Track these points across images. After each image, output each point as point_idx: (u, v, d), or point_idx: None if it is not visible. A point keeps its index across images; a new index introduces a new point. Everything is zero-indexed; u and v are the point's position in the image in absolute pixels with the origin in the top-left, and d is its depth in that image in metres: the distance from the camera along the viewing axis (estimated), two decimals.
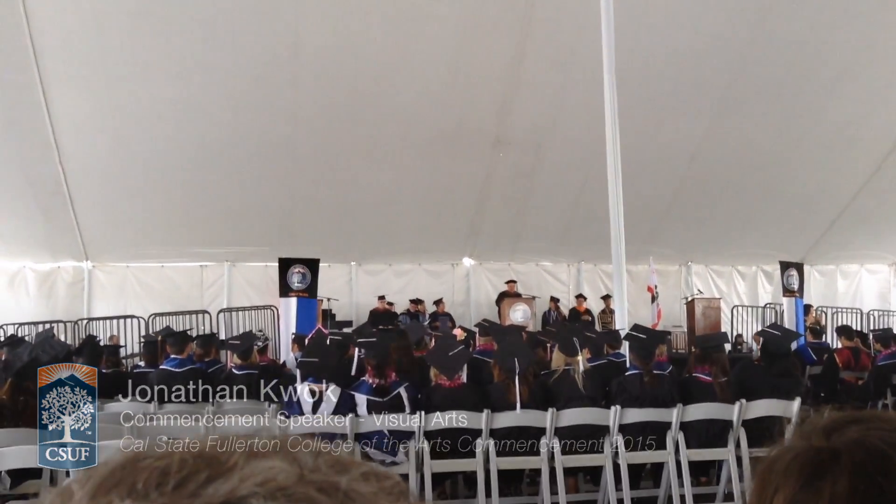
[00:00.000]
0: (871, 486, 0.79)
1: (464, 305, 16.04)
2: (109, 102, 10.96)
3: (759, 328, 13.37)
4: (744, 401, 6.06)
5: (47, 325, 12.67)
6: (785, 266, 14.30)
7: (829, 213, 15.23)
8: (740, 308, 16.47)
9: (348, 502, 0.46)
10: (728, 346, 14.45)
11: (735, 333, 15.50)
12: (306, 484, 0.46)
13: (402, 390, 6.04)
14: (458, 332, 11.33)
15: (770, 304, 16.43)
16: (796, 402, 6.02)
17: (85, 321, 13.90)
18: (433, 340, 9.15)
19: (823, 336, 11.51)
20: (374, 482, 0.50)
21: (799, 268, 14.58)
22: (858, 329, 12.47)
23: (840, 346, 9.70)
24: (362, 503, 0.47)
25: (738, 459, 6.04)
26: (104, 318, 13.96)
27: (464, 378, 6.21)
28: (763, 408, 6.09)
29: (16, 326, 12.99)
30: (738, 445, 6.09)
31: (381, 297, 14.99)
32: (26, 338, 10.34)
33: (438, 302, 15.28)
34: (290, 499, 0.45)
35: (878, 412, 0.89)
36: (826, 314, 16.23)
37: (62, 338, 12.47)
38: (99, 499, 0.45)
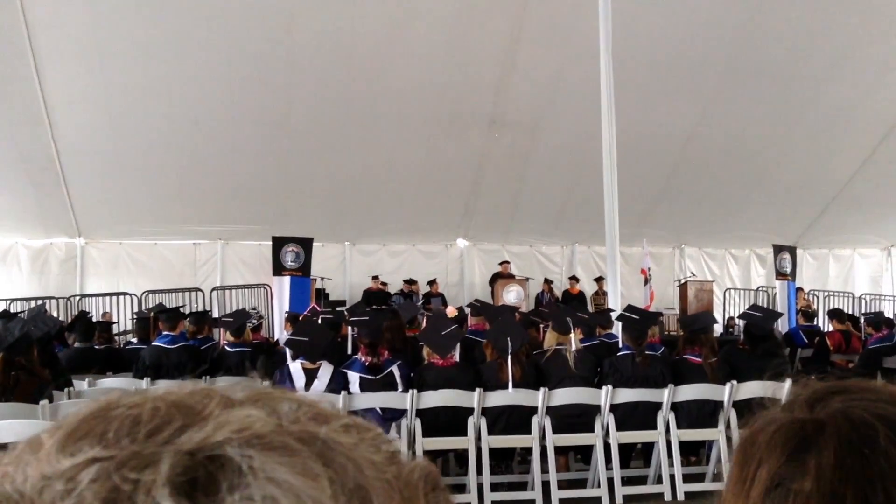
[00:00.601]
0: (857, 457, 0.78)
1: (457, 286, 16.06)
2: (103, 78, 10.89)
3: None
4: (734, 382, 6.09)
5: (39, 302, 12.63)
6: (778, 249, 14.34)
7: (822, 197, 15.27)
8: (733, 291, 16.52)
9: (327, 451, 0.45)
10: (720, 329, 14.60)
11: (727, 316, 15.56)
12: (284, 433, 0.45)
13: (394, 368, 6.05)
14: (450, 311, 11.34)
15: (763, 287, 16.49)
16: (787, 383, 6.04)
17: (77, 297, 13.88)
18: (426, 320, 9.16)
19: (815, 319, 11.56)
20: (356, 433, 0.48)
21: (792, 251, 14.61)
22: (850, 313, 12.52)
23: (832, 329, 9.75)
24: (342, 452, 0.46)
25: (729, 440, 6.08)
26: (97, 295, 13.94)
27: (456, 357, 6.22)
28: (752, 389, 6.12)
29: (8, 302, 12.95)
30: (728, 426, 6.13)
31: (375, 277, 15.01)
32: (19, 314, 10.31)
33: (432, 282, 15.28)
34: (266, 447, 0.44)
35: (862, 382, 0.88)
36: (818, 298, 16.29)
37: (54, 314, 12.44)
38: (68, 447, 0.44)
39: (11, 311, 11.35)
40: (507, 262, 15.31)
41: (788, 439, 0.82)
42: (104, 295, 13.94)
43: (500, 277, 14.82)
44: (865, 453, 0.78)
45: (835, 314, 10.15)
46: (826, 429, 0.81)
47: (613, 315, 7.89)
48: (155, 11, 10.11)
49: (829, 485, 0.77)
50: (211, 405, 0.47)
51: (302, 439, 0.45)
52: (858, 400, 0.84)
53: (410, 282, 15.22)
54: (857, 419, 0.81)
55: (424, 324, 8.39)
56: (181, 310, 9.22)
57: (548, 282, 15.58)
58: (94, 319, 10.50)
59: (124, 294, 14.01)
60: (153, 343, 7.43)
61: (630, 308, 6.94)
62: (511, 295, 13.91)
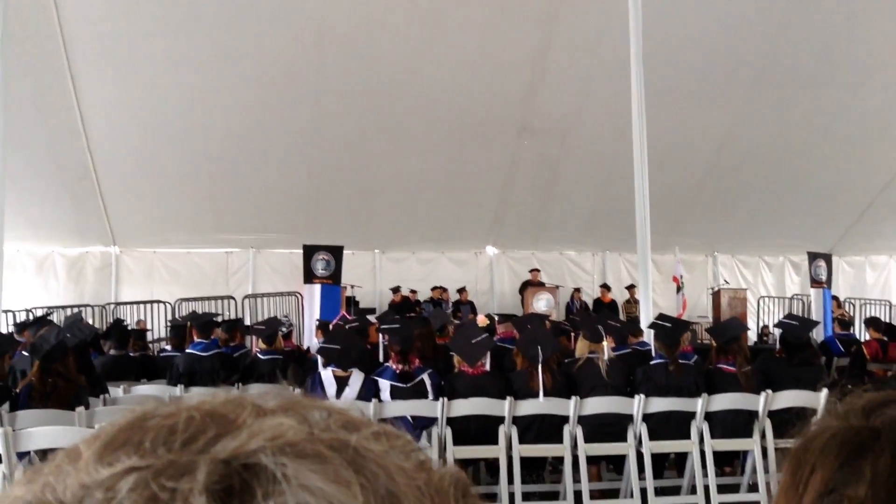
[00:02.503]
0: None
1: (487, 294, 16.03)
2: (137, 89, 11.06)
3: None
4: (769, 391, 6.01)
5: (76, 310, 12.83)
6: (813, 257, 14.14)
7: (858, 204, 15.02)
8: (767, 299, 16.31)
9: (358, 458, 0.46)
10: (754, 337, 14.42)
11: (761, 325, 15.37)
12: (316, 441, 0.47)
13: (425, 377, 6.05)
14: (480, 319, 11.33)
15: (797, 295, 16.26)
16: (823, 394, 5.96)
17: (112, 305, 14.09)
18: (455, 328, 9.15)
19: (851, 328, 11.37)
20: (386, 441, 0.50)
21: (827, 259, 14.41)
22: (888, 321, 12.29)
23: (868, 337, 9.57)
24: (372, 459, 0.47)
25: (764, 450, 5.99)
26: (131, 303, 14.13)
27: (487, 366, 6.20)
28: (788, 399, 6.03)
29: (44, 310, 13.16)
30: (763, 436, 6.04)
31: (397, 290, 14.98)
32: (49, 317, 10.47)
33: (462, 290, 15.28)
34: (299, 454, 0.45)
35: None
36: (855, 306, 16.03)
37: (90, 322, 12.63)
38: (106, 457, 0.45)
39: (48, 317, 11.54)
40: (537, 270, 15.25)
41: (843, 445, 0.82)
42: (138, 303, 14.13)
43: (530, 285, 14.78)
44: None
45: (871, 322, 9.96)
46: (882, 436, 0.81)
47: (643, 326, 7.83)
48: (187, 22, 10.26)
49: (885, 491, 0.77)
50: (244, 414, 0.48)
51: (333, 447, 0.46)
52: None
53: (441, 289, 15.22)
54: None
55: (454, 332, 8.38)
56: (214, 318, 9.30)
57: (578, 290, 15.50)
58: (128, 327, 10.64)
59: (158, 302, 14.19)
60: (187, 350, 7.51)
61: (661, 316, 6.87)
62: (541, 303, 13.87)
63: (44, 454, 5.07)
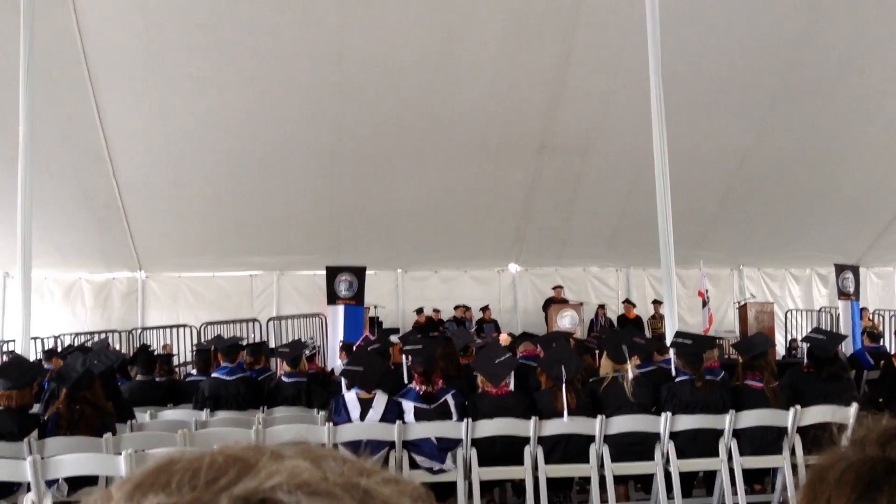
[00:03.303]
0: None
1: (510, 312, 15.98)
2: (160, 115, 11.21)
3: None
4: (798, 407, 5.93)
5: (102, 335, 12.97)
6: (840, 269, 13.97)
7: (885, 214, 14.83)
8: (794, 312, 16.12)
9: (368, 499, 0.50)
10: (782, 352, 14.24)
11: (790, 338, 15.19)
12: (329, 482, 0.50)
13: (449, 397, 6.03)
14: (504, 338, 11.29)
15: (825, 307, 16.06)
16: (853, 408, 5.87)
17: (139, 330, 14.23)
18: (478, 348, 9.13)
19: (881, 340, 11.20)
20: (395, 486, 0.53)
21: (855, 270, 14.23)
22: None
23: None
24: (381, 500, 0.51)
25: (794, 467, 5.90)
26: (157, 328, 14.27)
27: (511, 386, 6.17)
28: (817, 414, 5.94)
29: (72, 336, 13.32)
30: (793, 452, 5.95)
31: (420, 311, 15.00)
32: (77, 345, 10.57)
33: (485, 309, 15.25)
34: (313, 492, 0.48)
35: None
36: (884, 318, 15.79)
37: (117, 346, 12.76)
38: (135, 497, 0.50)
39: (76, 344, 11.67)
40: (561, 287, 15.20)
41: (859, 478, 0.81)
42: (164, 327, 14.26)
43: (554, 302, 14.72)
44: None
45: None
46: None
47: (669, 340, 7.76)
48: (210, 48, 10.40)
49: None
50: (263, 459, 0.52)
51: (345, 488, 0.50)
52: None
53: (464, 308, 15.20)
54: None
55: (477, 351, 8.36)
56: (240, 341, 9.36)
57: (602, 306, 15.42)
58: (154, 352, 10.72)
59: (184, 326, 14.31)
60: (212, 375, 7.55)
61: (680, 333, 6.81)
62: (565, 320, 13.80)
63: (73, 481, 5.11)
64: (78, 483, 5.19)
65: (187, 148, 11.79)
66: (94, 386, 5.63)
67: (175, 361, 11.17)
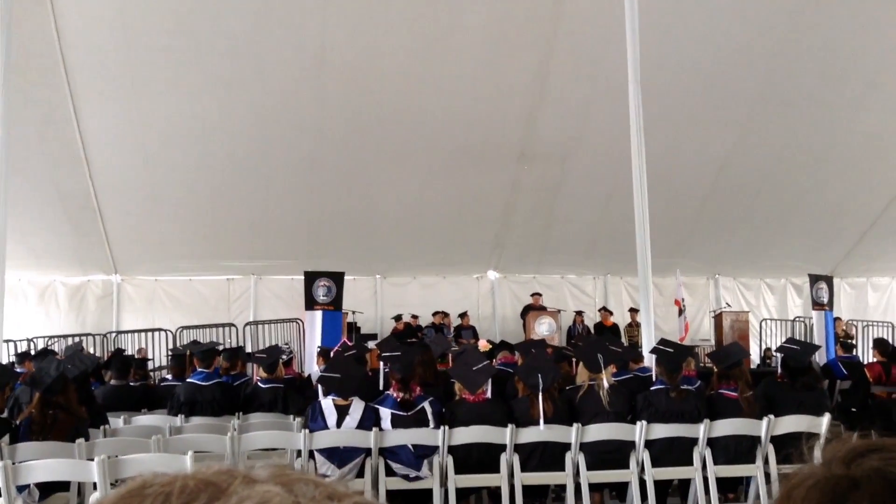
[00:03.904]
0: None
1: (489, 318, 16.01)
2: (139, 118, 11.13)
3: None
4: (772, 416, 5.98)
5: (77, 339, 12.83)
6: (814, 279, 14.13)
7: (859, 225, 15.03)
8: (769, 321, 16.28)
9: None
10: (756, 360, 14.37)
11: (764, 347, 15.33)
12: None
13: (426, 405, 6.03)
14: (482, 344, 11.30)
15: (800, 317, 16.23)
16: (825, 419, 5.93)
17: (114, 334, 14.08)
18: (455, 355, 9.14)
19: (854, 350, 11.33)
20: None
21: (829, 281, 14.39)
22: (893, 343, 12.26)
23: (874, 359, 9.54)
24: None
25: (767, 476, 5.96)
26: (133, 332, 14.13)
27: (488, 393, 6.18)
28: (790, 424, 6.00)
29: (46, 340, 13.17)
30: (766, 462, 6.00)
31: (398, 318, 14.97)
32: (56, 351, 10.47)
33: (464, 315, 15.27)
34: None
35: None
36: (857, 328, 15.98)
37: (91, 350, 12.63)
38: None
39: (49, 348, 11.54)
40: (539, 294, 15.25)
41: (823, 496, 0.83)
42: (140, 331, 14.13)
43: (532, 309, 14.77)
44: None
45: (879, 344, 9.93)
46: (860, 486, 0.82)
47: (644, 349, 7.80)
48: (188, 50, 10.33)
49: None
50: (235, 483, 0.52)
51: None
52: (894, 459, 0.84)
53: (443, 314, 15.21)
54: (891, 477, 0.82)
55: (454, 358, 8.36)
56: (216, 346, 9.29)
57: (580, 313, 15.49)
58: (129, 356, 10.62)
59: (159, 330, 14.19)
60: (187, 380, 7.49)
61: (663, 341, 6.86)
62: (543, 327, 13.85)
63: (44, 487, 5.05)
64: (49, 489, 5.13)
65: (165, 151, 11.70)
66: (67, 390, 5.57)
67: (150, 366, 11.07)
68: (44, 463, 4.82)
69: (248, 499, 0.49)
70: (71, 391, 5.64)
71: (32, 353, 10.80)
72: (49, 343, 12.76)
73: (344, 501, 0.52)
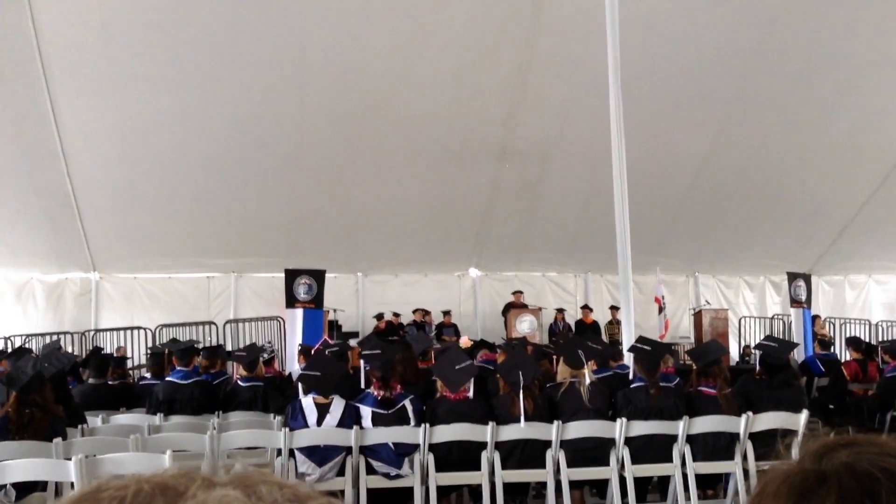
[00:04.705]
0: None
1: (470, 316, 16.04)
2: (117, 114, 11.04)
3: None
4: (750, 413, 6.03)
5: (54, 337, 12.71)
6: (792, 277, 14.27)
7: (836, 224, 15.20)
8: (748, 319, 16.41)
9: None
10: (736, 357, 14.48)
11: (743, 344, 15.46)
12: None
13: (407, 402, 6.02)
14: (464, 342, 11.30)
15: (778, 314, 16.38)
16: (803, 415, 5.99)
17: (92, 332, 13.96)
18: (438, 352, 9.12)
19: (832, 347, 11.45)
20: None
21: (807, 279, 14.54)
22: (867, 340, 12.39)
23: (849, 357, 9.64)
24: None
25: (745, 472, 6.01)
26: (111, 330, 14.01)
27: (470, 392, 6.18)
28: (768, 421, 6.05)
29: (23, 338, 13.03)
30: (745, 458, 6.05)
31: (380, 317, 14.96)
32: (33, 350, 10.36)
33: (446, 313, 15.27)
34: None
35: (873, 437, 0.91)
36: (835, 325, 16.16)
37: (70, 349, 12.52)
38: None
39: (27, 346, 11.43)
40: (520, 292, 15.30)
41: (792, 489, 0.86)
42: (118, 329, 14.01)
43: (513, 307, 14.81)
44: (865, 503, 0.81)
45: (852, 342, 10.02)
46: (828, 480, 0.84)
47: (625, 347, 7.84)
48: (167, 47, 10.27)
49: None
50: (193, 487, 0.51)
51: None
52: (864, 453, 0.87)
53: (424, 312, 15.20)
54: (860, 471, 0.84)
55: (437, 356, 8.35)
56: (195, 344, 9.23)
57: (561, 311, 15.54)
58: (108, 354, 10.52)
59: (139, 328, 14.08)
60: (166, 378, 7.44)
61: (642, 339, 6.89)
62: (524, 325, 13.89)
63: (21, 486, 5.00)
64: (26, 489, 5.08)
65: (143, 148, 11.61)
66: (44, 389, 5.51)
67: (129, 364, 10.97)
68: (21, 462, 4.77)
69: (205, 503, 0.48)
70: (48, 390, 5.58)
71: (9, 351, 10.68)
72: (26, 341, 12.62)
73: (308, 503, 0.51)
